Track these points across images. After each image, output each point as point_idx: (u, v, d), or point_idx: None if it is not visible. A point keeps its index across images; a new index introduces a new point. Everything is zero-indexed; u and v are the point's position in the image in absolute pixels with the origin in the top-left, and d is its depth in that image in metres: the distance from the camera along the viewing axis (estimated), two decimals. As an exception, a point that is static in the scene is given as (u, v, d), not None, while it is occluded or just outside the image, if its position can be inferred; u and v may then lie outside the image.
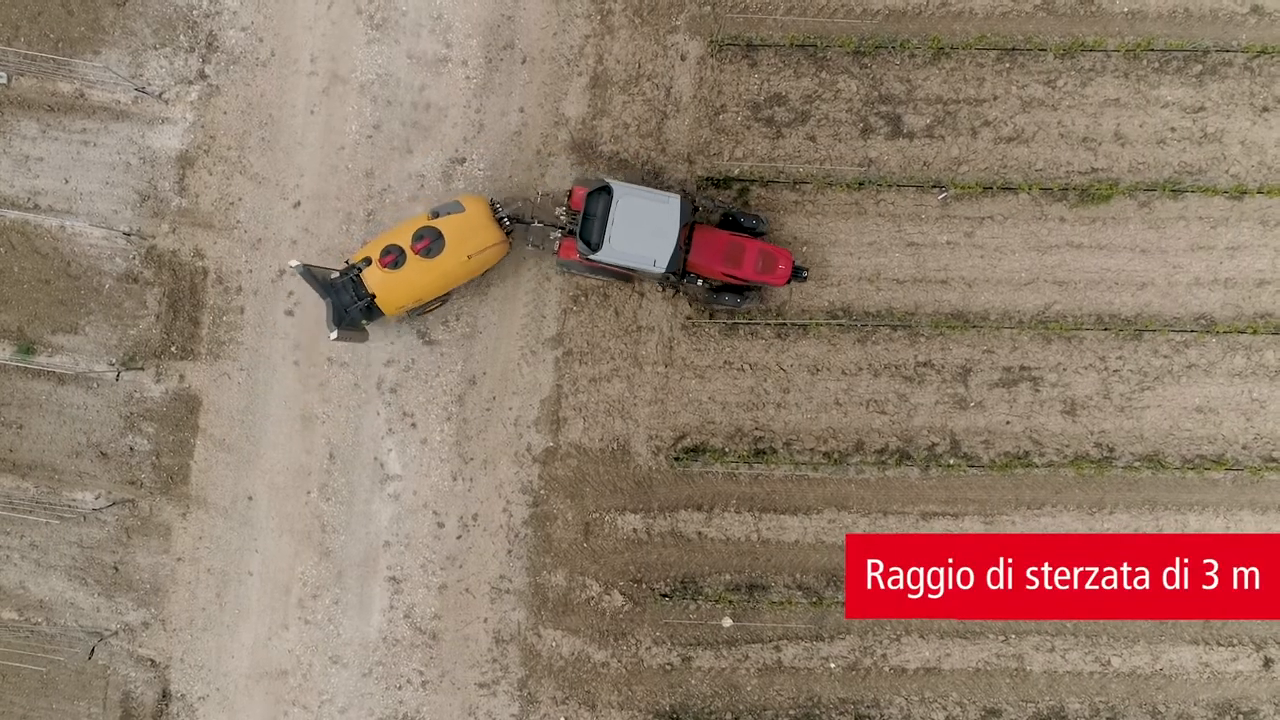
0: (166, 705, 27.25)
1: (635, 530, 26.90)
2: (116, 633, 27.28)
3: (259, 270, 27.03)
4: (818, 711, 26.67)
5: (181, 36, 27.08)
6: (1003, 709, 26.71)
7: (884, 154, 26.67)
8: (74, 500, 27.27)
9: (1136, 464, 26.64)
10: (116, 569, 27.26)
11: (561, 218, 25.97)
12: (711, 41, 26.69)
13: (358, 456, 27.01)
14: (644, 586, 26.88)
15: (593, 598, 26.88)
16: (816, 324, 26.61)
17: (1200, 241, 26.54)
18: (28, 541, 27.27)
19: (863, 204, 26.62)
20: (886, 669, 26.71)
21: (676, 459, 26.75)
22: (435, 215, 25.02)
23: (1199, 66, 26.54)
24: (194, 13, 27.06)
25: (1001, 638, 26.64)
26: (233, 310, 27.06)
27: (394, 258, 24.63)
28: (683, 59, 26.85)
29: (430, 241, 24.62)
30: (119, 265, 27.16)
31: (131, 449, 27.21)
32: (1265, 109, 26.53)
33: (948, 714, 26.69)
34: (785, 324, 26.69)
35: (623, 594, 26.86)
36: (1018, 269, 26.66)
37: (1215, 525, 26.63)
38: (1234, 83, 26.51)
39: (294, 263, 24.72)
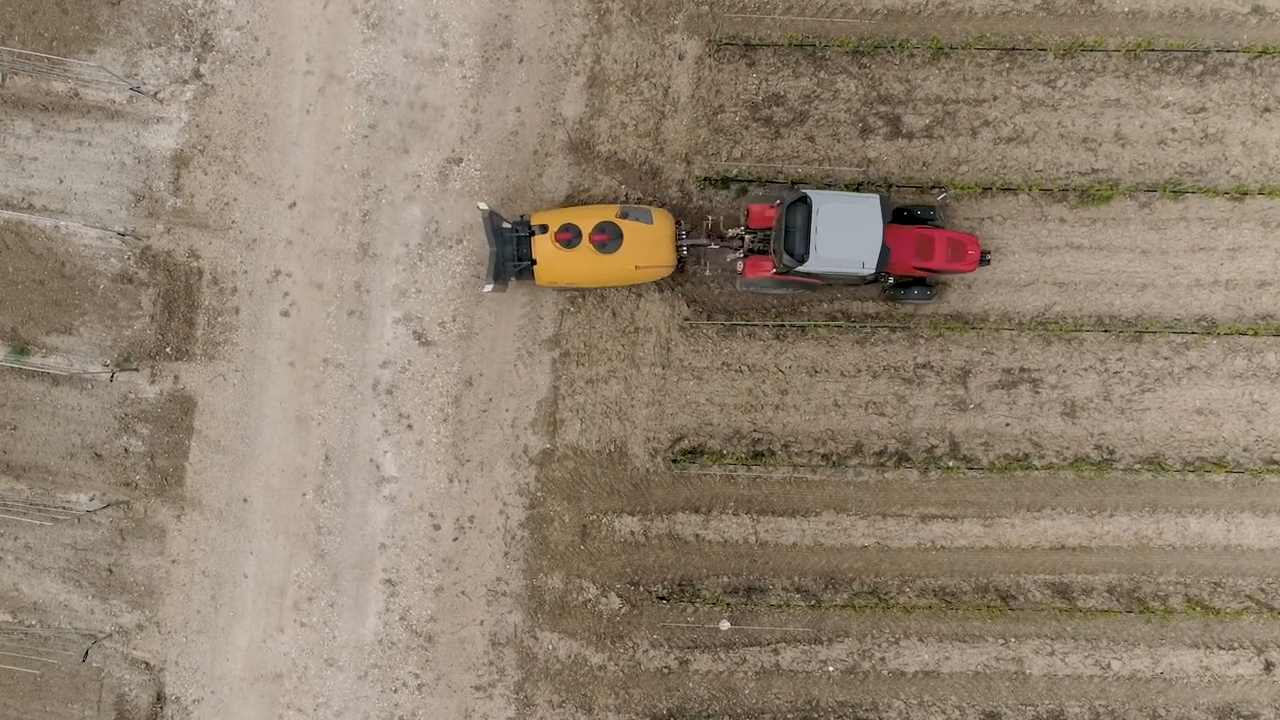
0: (161, 708, 27.12)
1: (632, 532, 26.77)
2: (111, 635, 27.15)
3: (254, 271, 26.90)
4: (816, 715, 26.55)
5: (176, 35, 26.95)
6: (1002, 712, 26.58)
7: (883, 154, 26.54)
8: (68, 502, 27.14)
9: (1137, 466, 26.51)
10: (111, 571, 27.13)
11: (740, 238, 25.80)
12: (710, 41, 26.56)
13: (353, 458, 26.88)
14: (641, 589, 26.75)
15: (590, 600, 26.76)
16: (815, 325, 26.48)
17: (1201, 243, 26.41)
18: (22, 543, 27.15)
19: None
20: (885, 672, 26.58)
21: (674, 461, 26.62)
22: (624, 216, 24.96)
23: (1200, 67, 26.41)
24: (189, 12, 26.93)
25: (1001, 641, 26.51)
26: (228, 311, 26.93)
27: (570, 237, 24.65)
28: (681, 58, 26.72)
29: (609, 238, 24.66)
30: (114, 266, 27.03)
31: (126, 450, 27.08)
32: (1266, 109, 26.40)
33: (947, 717, 26.56)
34: (783, 325, 26.56)
35: (620, 596, 26.73)
36: (1017, 270, 26.52)
37: (1216, 528, 26.51)
38: (1235, 83, 26.38)
39: (483, 205, 24.87)
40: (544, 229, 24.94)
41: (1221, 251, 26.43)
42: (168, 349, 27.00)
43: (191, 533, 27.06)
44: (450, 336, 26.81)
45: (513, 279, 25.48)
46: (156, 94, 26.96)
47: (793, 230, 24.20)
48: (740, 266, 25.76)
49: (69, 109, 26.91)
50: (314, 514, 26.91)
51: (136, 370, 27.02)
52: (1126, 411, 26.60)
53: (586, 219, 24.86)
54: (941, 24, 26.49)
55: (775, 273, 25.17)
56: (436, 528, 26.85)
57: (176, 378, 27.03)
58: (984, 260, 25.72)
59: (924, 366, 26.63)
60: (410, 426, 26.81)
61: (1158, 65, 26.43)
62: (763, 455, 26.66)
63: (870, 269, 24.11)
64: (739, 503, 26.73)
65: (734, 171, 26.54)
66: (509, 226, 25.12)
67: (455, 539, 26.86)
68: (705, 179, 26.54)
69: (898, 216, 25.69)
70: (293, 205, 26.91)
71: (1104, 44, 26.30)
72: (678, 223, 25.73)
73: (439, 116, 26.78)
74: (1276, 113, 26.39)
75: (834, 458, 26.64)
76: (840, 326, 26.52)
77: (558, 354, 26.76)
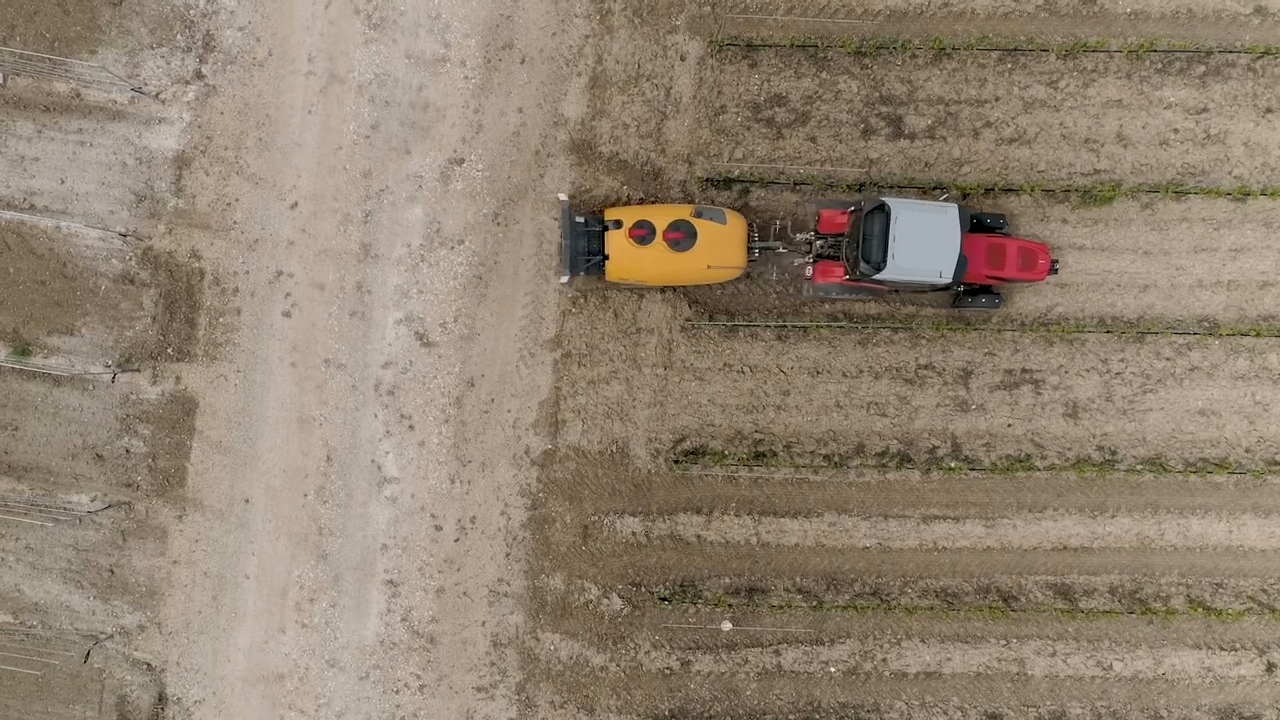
0: (162, 709, 27.10)
1: (634, 533, 26.76)
2: (112, 636, 27.13)
3: (256, 271, 26.88)
4: (818, 716, 26.53)
5: (178, 36, 26.92)
6: (1004, 713, 26.57)
7: (885, 155, 26.52)
8: (69, 503, 27.11)
9: (1139, 467, 26.50)
10: (112, 572, 27.11)
11: (808, 243, 25.91)
12: (711, 42, 26.54)
13: (355, 459, 26.86)
14: (643, 590, 26.74)
15: (591, 601, 26.74)
16: (817, 326, 26.46)
17: (1203, 243, 26.39)
18: (23, 544, 27.12)
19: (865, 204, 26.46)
20: (887, 673, 26.57)
21: (676, 462, 26.60)
22: (698, 215, 25.03)
23: (1202, 67, 26.40)
24: (191, 12, 26.90)
25: (1003, 642, 26.50)
26: (229, 312, 26.91)
27: (645, 233, 24.76)
28: (682, 59, 26.70)
29: (684, 236, 24.75)
30: (115, 266, 27.01)
31: (127, 451, 27.06)
32: (1269, 110, 26.39)
33: (949, 718, 26.55)
34: (785, 326, 26.54)
35: (621, 597, 26.71)
36: (1019, 271, 26.54)
37: (1218, 529, 26.50)
38: (1237, 84, 26.36)
39: (563, 196, 25.05)
40: (618, 224, 25.06)
41: (1224, 252, 26.42)
42: (169, 350, 26.98)
43: (193, 533, 27.04)
44: (452, 337, 26.79)
45: (581, 273, 25.55)
46: (158, 95, 26.93)
47: (870, 237, 24.24)
48: (809, 271, 25.86)
49: (70, 109, 26.88)
50: (316, 515, 26.89)
51: (138, 371, 27.00)
52: (1128, 412, 26.58)
53: (661, 216, 24.99)
54: (943, 25, 26.47)
55: (848, 279, 25.23)
56: (438, 528, 26.84)
57: (178, 378, 27.01)
58: (1053, 269, 25.68)
59: (926, 367, 26.62)
60: (412, 427, 26.79)
61: (1160, 66, 26.42)
62: (764, 456, 26.65)
63: (947, 278, 24.23)
64: (741, 503, 26.71)
65: (736, 172, 26.52)
66: (582, 220, 25.22)
67: (457, 540, 26.84)
68: (707, 180, 26.52)
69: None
70: (294, 206, 26.88)
71: (1106, 45, 26.28)
72: (750, 224, 25.80)
73: (441, 117, 26.76)
74: (1279, 113, 26.37)
75: (836, 458, 26.63)
76: (842, 327, 26.51)
77: (559, 355, 26.75)
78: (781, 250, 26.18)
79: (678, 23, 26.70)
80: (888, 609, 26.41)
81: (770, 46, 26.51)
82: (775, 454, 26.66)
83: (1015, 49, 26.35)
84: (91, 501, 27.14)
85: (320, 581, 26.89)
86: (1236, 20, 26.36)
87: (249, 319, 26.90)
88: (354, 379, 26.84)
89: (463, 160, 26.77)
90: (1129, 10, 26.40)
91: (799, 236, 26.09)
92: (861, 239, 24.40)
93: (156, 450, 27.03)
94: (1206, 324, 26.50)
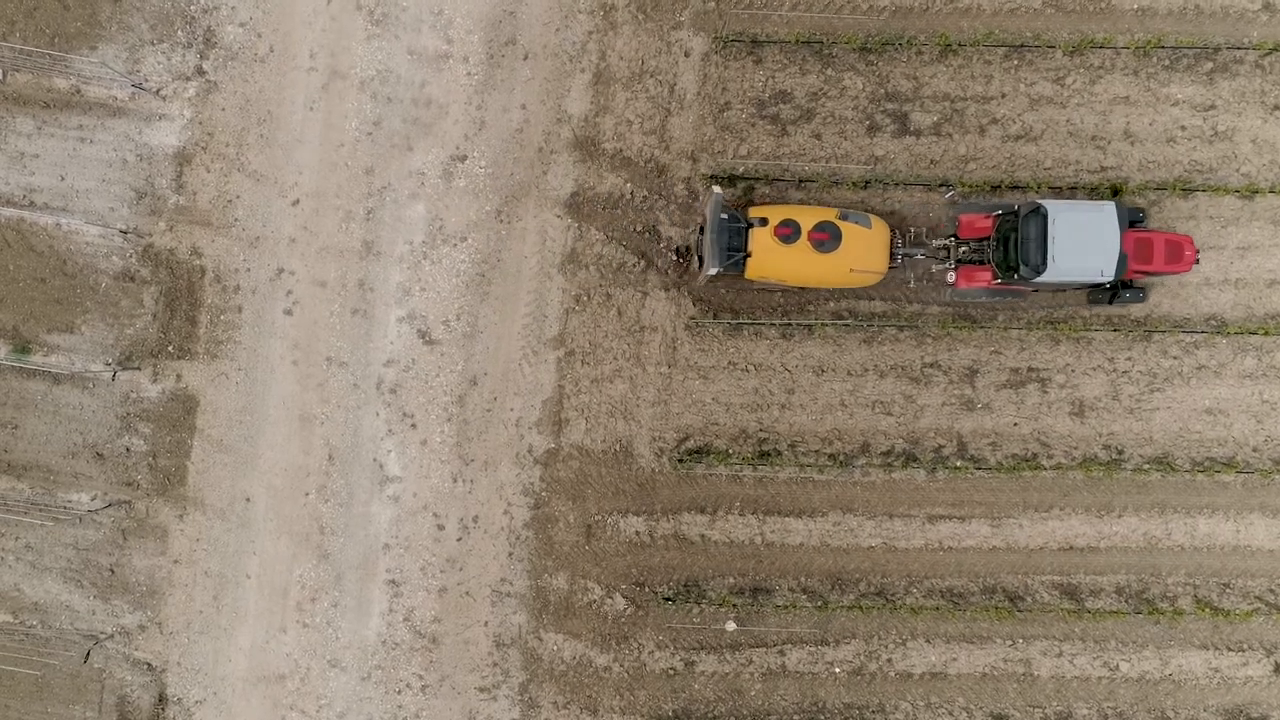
0: (163, 709, 26.97)
1: (638, 533, 26.63)
2: (112, 636, 27.00)
3: (257, 269, 26.75)
4: (822, 717, 26.41)
5: (179, 32, 26.79)
6: (1010, 714, 26.44)
7: (891, 152, 26.39)
8: (70, 501, 26.99)
9: (1146, 466, 26.37)
10: (112, 571, 26.98)
11: (946, 248, 25.85)
12: (716, 38, 26.42)
13: (357, 458, 26.73)
14: (646, 590, 26.61)
15: (595, 601, 26.62)
16: (821, 324, 26.34)
17: (1210, 241, 26.26)
18: (23, 543, 26.99)
19: (869, 202, 26.32)
20: (892, 674, 26.44)
21: (680, 461, 26.48)
22: (843, 218, 24.87)
23: (1210, 64, 26.27)
24: (192, 8, 26.77)
25: (1009, 642, 26.37)
26: (230, 309, 26.78)
27: (789, 232, 24.55)
28: (687, 55, 26.57)
29: (828, 238, 24.56)
30: (115, 264, 26.88)
31: (128, 450, 26.93)
32: (1277, 107, 26.27)
33: (954, 719, 26.41)
34: (790, 324, 26.42)
35: (625, 597, 26.59)
36: (1026, 269, 26.41)
37: (1225, 529, 26.37)
38: (1245, 80, 26.24)
39: (717, 189, 24.91)
40: (763, 222, 24.87)
41: (1231, 250, 26.29)
42: (170, 347, 26.86)
43: (194, 533, 26.91)
44: (454, 335, 26.66)
45: (721, 269, 25.21)
46: (159, 91, 26.80)
47: (1028, 240, 24.20)
48: (951, 277, 25.78)
49: (71, 106, 26.75)
50: (317, 514, 26.76)
51: (138, 369, 26.88)
52: (1135, 411, 26.45)
53: (806, 217, 24.78)
54: (950, 21, 26.35)
55: (998, 283, 25.17)
56: (440, 528, 26.71)
57: (179, 376, 26.88)
58: (1196, 260, 25.53)
59: (931, 366, 26.49)
60: (414, 426, 26.66)
61: (1167, 62, 26.30)
62: (769, 455, 26.52)
63: (1109, 276, 24.22)
64: (745, 503, 26.59)
65: (740, 169, 26.41)
66: (726, 217, 24.96)
67: (459, 539, 26.71)
68: (711, 177, 26.40)
69: None
70: (296, 203, 26.75)
71: (1113, 41, 26.16)
72: (893, 230, 25.67)
73: (443, 113, 26.63)
74: (1287, 110, 26.31)
75: (841, 458, 26.51)
76: (847, 325, 26.39)
77: (563, 353, 26.62)
78: (919, 255, 26.01)
79: (682, 19, 26.57)
80: (893, 609, 26.29)
81: (775, 43, 26.39)
82: (780, 453, 26.53)
83: (1022, 45, 26.24)
84: (92, 500, 27.01)
85: (322, 581, 26.76)
86: (1244, 16, 26.25)
87: (250, 317, 26.77)
88: (356, 377, 26.71)
89: (465, 157, 26.64)
90: (1136, 6, 26.28)
91: (935, 242, 25.94)
92: (1019, 242, 24.33)
93: (157, 449, 26.90)
94: (1214, 322, 26.38)
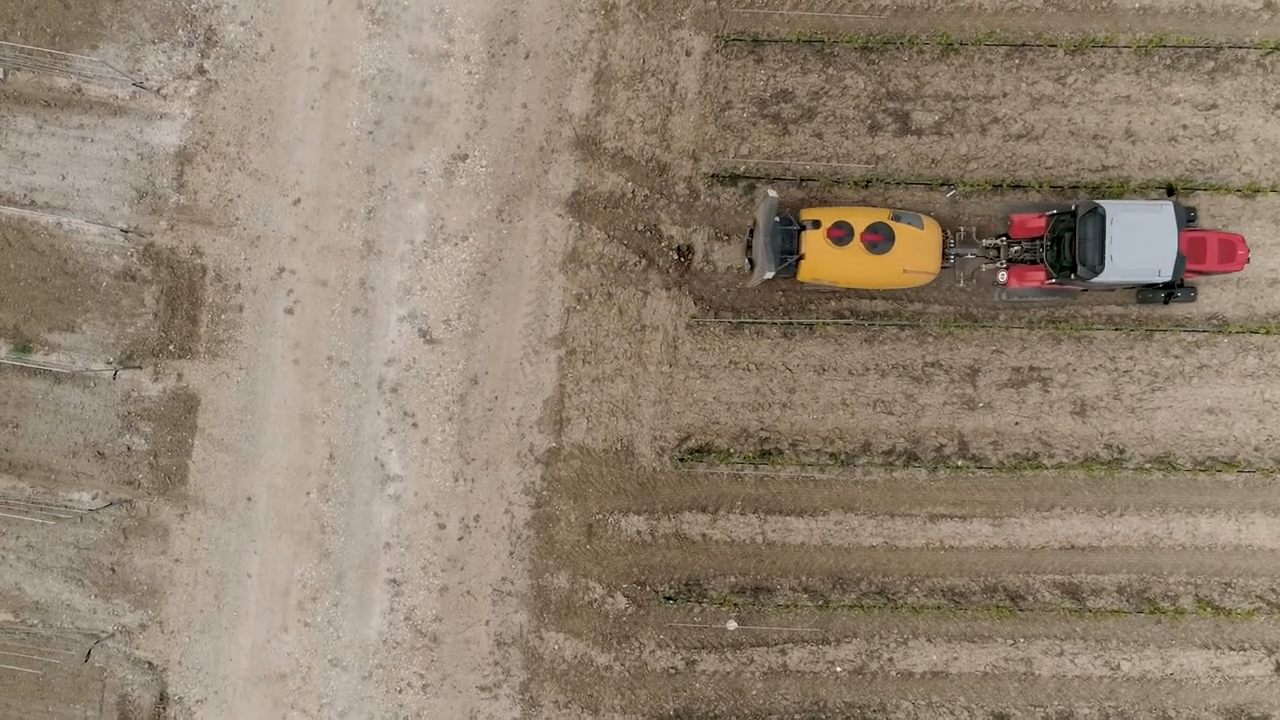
0: (164, 708, 26.97)
1: (639, 532, 26.62)
2: (113, 635, 27.00)
3: (258, 268, 26.74)
4: (823, 716, 26.39)
5: (180, 31, 26.78)
6: (1011, 713, 26.43)
7: (892, 151, 26.37)
8: (71, 500, 26.98)
9: (1147, 465, 26.35)
10: (114, 570, 26.98)
11: (996, 248, 25.86)
12: (717, 37, 26.40)
13: (358, 457, 26.72)
14: (648, 589, 26.60)
15: (596, 600, 26.60)
16: (823, 323, 26.32)
17: (1212, 240, 26.22)
18: (24, 542, 26.99)
19: (870, 201, 26.31)
20: (893, 673, 26.43)
21: (681, 460, 26.47)
22: (896, 219, 24.88)
23: (1211, 63, 26.25)
24: (192, 7, 26.75)
25: (1010, 641, 26.35)
26: (231, 308, 26.77)
27: (843, 234, 24.55)
28: (688, 54, 26.55)
29: (882, 239, 24.56)
30: (116, 263, 26.87)
31: (129, 449, 26.92)
32: (1278, 106, 26.24)
33: (955, 718, 26.40)
34: (791, 324, 26.40)
35: (626, 596, 26.58)
36: (1027, 268, 26.38)
37: (1227, 528, 26.35)
38: (1246, 79, 26.22)
39: (773, 191, 24.87)
40: (816, 224, 24.84)
41: (1232, 249, 26.27)
42: (171, 347, 26.84)
43: (195, 532, 26.90)
44: (455, 334, 26.64)
45: (775, 272, 25.19)
46: (160, 90, 26.79)
47: (1085, 240, 24.30)
48: (1002, 277, 25.79)
49: (72, 105, 26.74)
50: (318, 513, 26.75)
51: (139, 368, 26.87)
52: (1137, 410, 26.43)
53: (859, 218, 24.79)
54: (951, 20, 26.32)
55: (1053, 282, 25.22)
56: (441, 527, 26.70)
57: (180, 375, 26.87)
58: (1247, 259, 25.54)
59: (933, 365, 26.47)
60: (415, 425, 26.65)
61: (1169, 62, 26.28)
62: (770, 454, 26.51)
63: (1167, 276, 24.32)
64: (746, 502, 26.57)
65: (741, 168, 26.39)
66: (778, 220, 24.96)
67: (460, 538, 26.70)
68: (713, 176, 26.40)
69: None
70: (297, 202, 26.74)
71: (1115, 40, 26.14)
72: (945, 231, 25.67)
73: (444, 113, 26.61)
74: (1288, 110, 26.29)
75: (842, 457, 26.49)
76: (848, 324, 26.37)
77: (564, 352, 26.61)
78: (970, 255, 25.99)
79: (683, 18, 26.55)
80: (894, 608, 26.28)
81: (776, 42, 26.37)
82: (781, 452, 26.52)
83: (1023, 44, 26.21)
84: (93, 499, 27.00)
85: (323, 580, 26.75)
86: (1246, 16, 26.21)
87: (251, 316, 26.76)
88: (357, 376, 26.69)
89: (466, 156, 26.62)
90: (1138, 5, 26.25)
91: (985, 242, 25.91)
92: (1077, 242, 24.41)
93: (158, 448, 26.89)
94: (1215, 322, 26.36)
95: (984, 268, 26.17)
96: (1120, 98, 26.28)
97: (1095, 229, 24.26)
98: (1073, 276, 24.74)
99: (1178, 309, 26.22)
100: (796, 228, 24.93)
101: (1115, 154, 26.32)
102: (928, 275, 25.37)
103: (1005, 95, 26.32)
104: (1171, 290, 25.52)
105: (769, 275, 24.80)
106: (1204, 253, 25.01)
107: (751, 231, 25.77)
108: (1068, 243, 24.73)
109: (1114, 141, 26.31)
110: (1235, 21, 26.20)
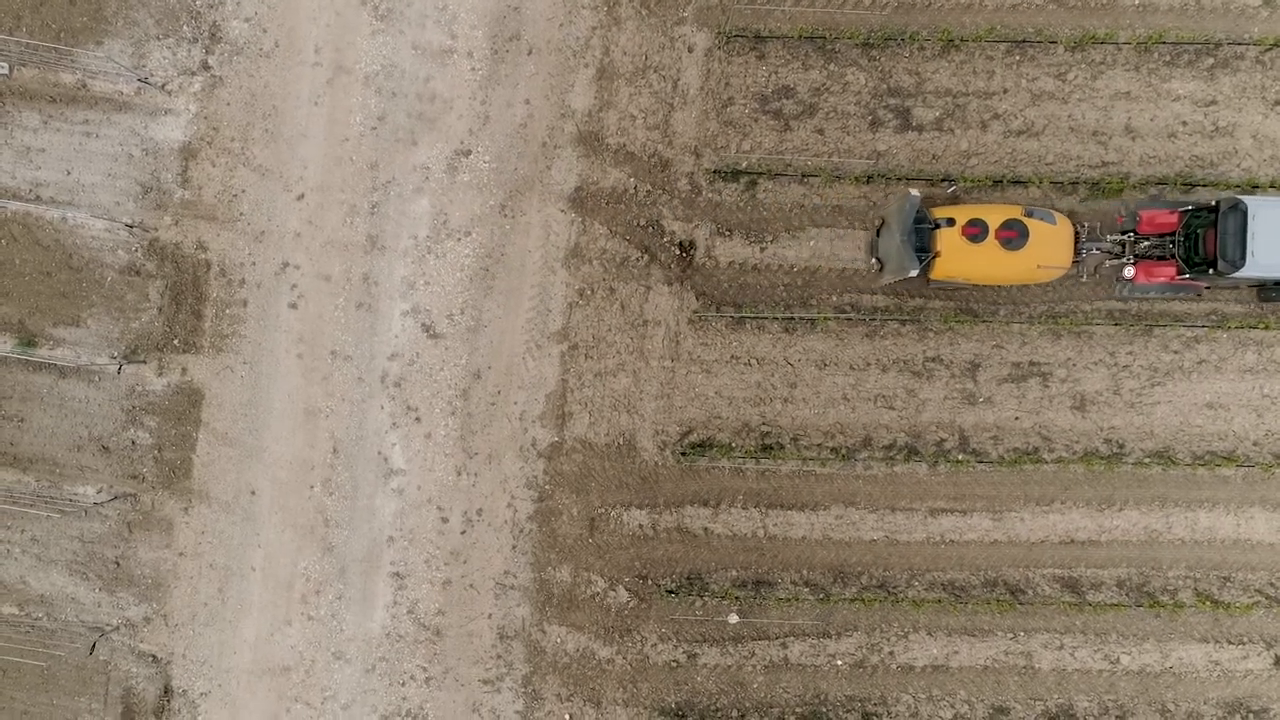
0: (168, 701, 27.07)
1: (641, 526, 26.72)
2: (118, 628, 27.10)
3: (262, 263, 26.84)
4: (825, 709, 26.49)
5: (184, 27, 26.88)
6: (1011, 707, 26.52)
7: (893, 147, 26.47)
8: (75, 494, 27.08)
9: (1147, 460, 26.44)
10: (118, 564, 27.08)
11: (1121, 244, 25.89)
12: (719, 33, 26.49)
13: (361, 451, 26.82)
14: (650, 582, 26.70)
15: (598, 594, 26.70)
16: (824, 318, 26.42)
17: (1211, 236, 26.31)
18: (29, 536, 27.09)
19: (870, 197, 26.41)
20: (894, 666, 26.52)
21: (683, 454, 26.56)
22: (1029, 215, 24.97)
23: (1210, 60, 26.33)
24: (197, 3, 26.86)
25: (1010, 635, 26.44)
26: (235, 303, 26.88)
27: (977, 232, 24.63)
28: (690, 51, 26.65)
29: (1016, 235, 24.64)
30: (121, 258, 26.97)
31: (133, 443, 27.03)
32: (1277, 103, 26.30)
33: (955, 712, 26.50)
34: (793, 318, 26.50)
35: (628, 590, 26.68)
36: (1027, 263, 26.46)
37: (1226, 523, 26.44)
38: (1246, 76, 26.30)
39: (915, 191, 24.88)
40: (950, 222, 24.91)
41: (1232, 245, 26.35)
42: (175, 341, 26.95)
43: (199, 525, 27.01)
44: (459, 329, 26.75)
45: (917, 271, 25.13)
46: (164, 85, 26.89)
47: (1226, 235, 24.40)
48: (1129, 272, 25.80)
49: (76, 100, 26.84)
50: (322, 507, 26.85)
51: (144, 362, 26.97)
52: (1136, 405, 26.52)
53: (992, 215, 24.88)
54: (952, 16, 26.41)
55: (1185, 278, 25.29)
56: (444, 520, 26.80)
57: (184, 370, 26.97)
58: None
59: (933, 360, 26.56)
60: (418, 419, 26.75)
61: (1168, 58, 26.36)
62: (771, 449, 26.60)
63: None
64: (747, 496, 26.67)
65: (743, 164, 26.49)
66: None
67: (463, 532, 26.80)
68: (714, 171, 26.49)
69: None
70: (301, 197, 26.84)
71: (1115, 37, 26.22)
72: (1076, 227, 25.73)
73: (448, 108, 26.72)
74: (1287, 106, 26.37)
75: (843, 451, 26.58)
76: (850, 319, 26.46)
77: (566, 347, 26.71)
78: (1097, 250, 26.03)
79: (685, 14, 26.65)
80: (895, 602, 26.37)
81: (778, 38, 26.46)
82: (782, 446, 26.61)
83: (1024, 41, 26.29)
84: (97, 493, 27.10)
85: (326, 574, 26.85)
86: (1245, 12, 26.29)
87: (255, 310, 26.86)
88: (360, 371, 26.80)
89: (469, 152, 26.72)
90: (1137, 2, 26.34)
91: (1110, 238, 25.94)
92: (1217, 238, 24.46)
93: (162, 442, 26.99)
94: (1215, 317, 26.44)
95: (1108, 263, 26.18)
96: (1120, 94, 26.37)
97: (1237, 224, 24.34)
98: (1210, 271, 24.79)
99: (1176, 305, 26.32)
100: (930, 226, 24.98)
101: (1115, 150, 26.41)
102: (1060, 270, 25.43)
103: (1006, 91, 26.41)
104: None
105: (912, 274, 24.78)
106: None
107: (879, 231, 25.85)
108: (1203, 238, 24.79)
109: (1114, 137, 26.40)
110: (1234, 18, 26.28)
